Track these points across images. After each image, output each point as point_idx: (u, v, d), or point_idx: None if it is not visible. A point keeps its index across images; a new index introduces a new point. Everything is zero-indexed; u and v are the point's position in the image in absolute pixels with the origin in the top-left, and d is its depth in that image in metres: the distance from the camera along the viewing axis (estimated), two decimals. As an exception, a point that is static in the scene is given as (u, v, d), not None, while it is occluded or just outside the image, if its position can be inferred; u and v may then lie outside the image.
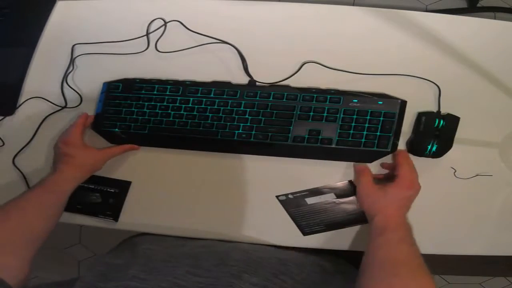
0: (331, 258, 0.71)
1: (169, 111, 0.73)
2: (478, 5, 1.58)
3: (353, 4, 1.61)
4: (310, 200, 0.71)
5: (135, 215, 0.74)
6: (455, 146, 0.70)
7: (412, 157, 0.70)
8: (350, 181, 0.71)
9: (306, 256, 0.69)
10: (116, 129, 0.74)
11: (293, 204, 0.72)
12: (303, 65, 0.75)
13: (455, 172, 0.71)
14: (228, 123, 0.72)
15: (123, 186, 0.74)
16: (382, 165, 0.71)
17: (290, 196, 0.72)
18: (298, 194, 0.71)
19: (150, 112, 0.73)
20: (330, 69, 0.74)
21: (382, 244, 0.60)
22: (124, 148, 0.73)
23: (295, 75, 0.74)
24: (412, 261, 0.57)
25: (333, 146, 0.70)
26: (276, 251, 0.70)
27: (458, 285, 1.65)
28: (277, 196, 0.72)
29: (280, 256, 0.65)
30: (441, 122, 0.69)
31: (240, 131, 0.71)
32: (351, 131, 0.70)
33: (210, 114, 0.72)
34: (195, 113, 0.72)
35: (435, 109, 0.71)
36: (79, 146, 0.69)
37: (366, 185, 0.67)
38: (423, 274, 0.55)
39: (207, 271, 0.55)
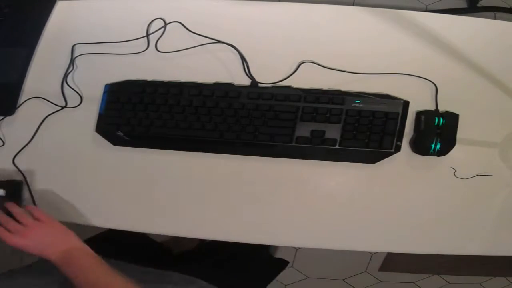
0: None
1: (172, 113, 0.72)
2: (478, 5, 1.58)
3: (353, 4, 1.61)
4: None
5: (135, 215, 0.74)
6: (455, 146, 0.70)
7: (416, 156, 0.70)
8: None
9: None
10: (119, 131, 0.74)
11: None
12: (300, 65, 0.75)
13: (455, 172, 0.71)
14: (231, 125, 0.71)
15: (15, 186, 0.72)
16: None
17: None
18: None
19: (152, 113, 0.73)
20: (328, 69, 0.74)
21: None
22: None
23: (294, 75, 0.74)
24: None
25: (337, 147, 0.70)
26: None
27: (458, 285, 1.64)
28: None
29: None
30: (441, 120, 0.69)
31: (243, 132, 0.71)
32: (355, 132, 0.70)
33: (213, 116, 0.72)
34: (197, 114, 0.72)
35: (433, 109, 0.71)
36: None
37: None
38: None
39: None
